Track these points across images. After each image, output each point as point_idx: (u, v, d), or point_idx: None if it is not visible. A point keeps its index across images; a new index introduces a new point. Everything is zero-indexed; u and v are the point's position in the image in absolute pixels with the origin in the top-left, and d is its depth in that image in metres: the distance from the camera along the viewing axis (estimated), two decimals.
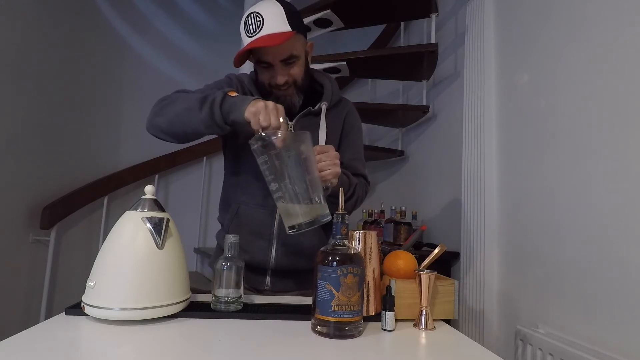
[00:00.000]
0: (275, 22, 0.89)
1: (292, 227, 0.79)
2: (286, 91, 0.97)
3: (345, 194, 1.00)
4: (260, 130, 0.81)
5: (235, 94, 0.86)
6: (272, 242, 1.00)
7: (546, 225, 1.22)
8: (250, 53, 0.96)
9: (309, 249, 1.00)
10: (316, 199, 0.80)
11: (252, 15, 0.90)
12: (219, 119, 0.85)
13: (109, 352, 0.56)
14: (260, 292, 1.02)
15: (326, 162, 0.85)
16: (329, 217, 0.78)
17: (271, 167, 0.78)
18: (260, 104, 0.80)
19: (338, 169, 0.87)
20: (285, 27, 0.90)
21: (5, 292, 1.92)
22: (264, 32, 0.88)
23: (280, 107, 0.82)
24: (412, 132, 2.45)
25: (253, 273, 1.01)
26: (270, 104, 0.81)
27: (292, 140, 0.79)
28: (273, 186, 0.79)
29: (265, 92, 0.99)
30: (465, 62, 1.72)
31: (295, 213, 0.79)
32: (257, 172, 0.98)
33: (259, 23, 0.89)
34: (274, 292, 1.02)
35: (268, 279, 1.02)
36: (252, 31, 0.90)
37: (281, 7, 0.91)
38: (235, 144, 1.04)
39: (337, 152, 0.89)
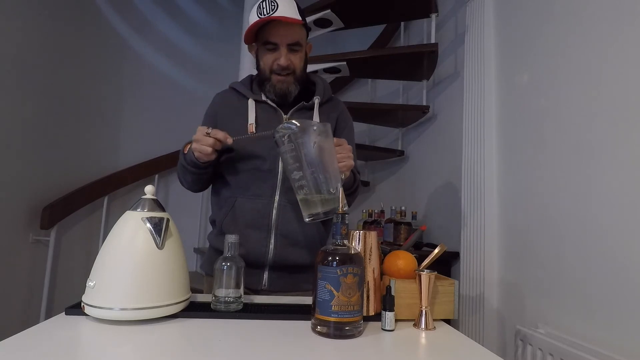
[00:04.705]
0: (289, 8, 0.96)
1: (311, 216, 0.82)
2: (286, 77, 1.02)
3: (350, 188, 1.01)
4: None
5: (187, 147, 0.98)
6: (270, 232, 1.00)
7: (546, 225, 1.22)
8: (257, 36, 1.01)
9: (307, 240, 1.01)
10: (335, 189, 0.82)
11: (266, 0, 0.97)
12: (198, 167, 0.97)
13: (109, 352, 0.56)
14: (257, 292, 1.00)
15: (342, 155, 0.89)
16: (346, 207, 0.81)
17: (296, 155, 0.81)
18: (193, 145, 0.92)
19: (352, 162, 0.91)
20: (297, 16, 0.97)
21: (5, 292, 1.92)
22: (279, 13, 0.94)
23: (215, 134, 0.90)
24: (412, 132, 2.45)
25: (250, 270, 1.00)
26: (195, 137, 0.91)
27: (316, 131, 0.82)
28: (296, 174, 0.82)
29: (264, 79, 1.04)
30: (465, 62, 1.72)
31: (315, 202, 0.81)
32: (252, 164, 1.01)
33: (273, 6, 0.95)
34: (271, 292, 1.00)
35: (265, 277, 1.01)
36: (266, 12, 0.95)
37: (293, 0, 0.99)
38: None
39: (350, 146, 0.92)
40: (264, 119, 1.04)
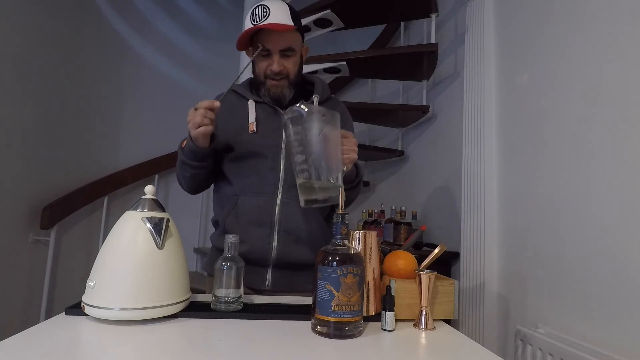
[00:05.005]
0: (281, 14, 0.97)
1: (308, 201, 0.83)
2: (279, 82, 1.03)
3: (352, 182, 1.02)
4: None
5: (185, 142, 0.99)
6: (273, 229, 1.00)
7: (546, 225, 1.22)
8: (251, 40, 1.03)
9: (311, 237, 1.01)
10: (335, 178, 0.83)
11: (259, 6, 0.98)
12: (197, 157, 0.98)
13: (109, 352, 0.56)
14: (260, 292, 1.00)
15: (347, 147, 0.89)
16: (344, 198, 0.81)
17: (301, 139, 0.83)
18: (189, 126, 0.92)
19: (356, 156, 0.92)
20: (289, 21, 0.98)
21: (5, 292, 1.92)
22: (270, 20, 0.96)
23: (201, 104, 0.90)
24: (412, 132, 2.45)
25: (253, 269, 0.99)
26: (188, 119, 0.91)
27: (325, 118, 0.83)
28: (299, 158, 0.83)
29: (260, 84, 1.06)
30: (465, 62, 1.72)
31: (313, 188, 0.82)
32: (253, 162, 1.02)
33: (265, 13, 0.96)
34: (274, 292, 1.00)
35: (269, 276, 1.01)
36: (258, 20, 0.97)
37: (286, 5, 1.00)
38: (228, 142, 1.06)
39: (356, 140, 0.93)
40: (264, 118, 1.05)
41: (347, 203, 1.10)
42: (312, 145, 0.82)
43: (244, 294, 0.80)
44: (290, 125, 0.83)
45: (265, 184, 1.01)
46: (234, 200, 1.03)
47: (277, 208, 1.01)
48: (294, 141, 0.83)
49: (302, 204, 0.85)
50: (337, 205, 0.74)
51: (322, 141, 0.82)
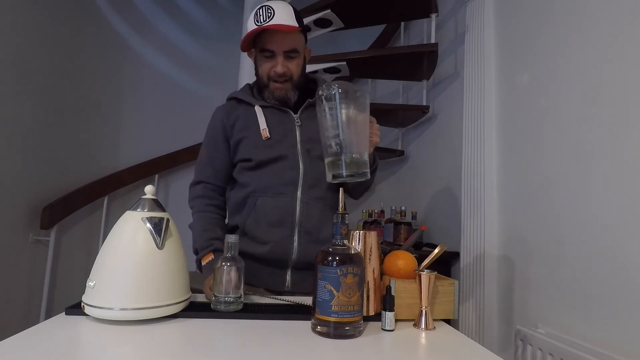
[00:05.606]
0: (285, 15, 0.97)
1: (335, 176, 0.86)
2: (283, 84, 1.03)
3: (371, 167, 1.04)
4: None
5: (208, 258, 0.98)
6: (294, 230, 1.00)
7: (546, 225, 1.22)
8: (255, 42, 1.03)
9: (329, 236, 1.01)
10: (362, 155, 0.86)
11: (264, 7, 0.98)
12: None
13: (109, 352, 0.56)
14: (280, 294, 0.99)
15: (372, 131, 0.93)
16: (368, 176, 0.86)
17: (335, 114, 0.85)
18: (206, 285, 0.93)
19: (378, 139, 0.96)
20: (293, 22, 0.98)
21: (5, 292, 1.92)
22: (275, 21, 0.96)
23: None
24: (412, 132, 2.45)
25: (272, 270, 1.00)
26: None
27: (359, 97, 0.86)
28: (330, 132, 0.86)
29: (263, 86, 1.05)
30: (465, 62, 1.71)
31: (341, 163, 0.85)
32: (273, 166, 1.02)
33: (270, 14, 0.96)
34: (293, 293, 1.00)
35: (289, 278, 1.01)
36: (262, 20, 0.97)
37: (290, 7, 1.00)
38: (244, 152, 1.06)
39: (378, 126, 0.97)
40: (274, 121, 1.04)
41: (365, 189, 1.15)
42: (345, 121, 0.84)
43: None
44: (325, 101, 0.86)
45: (285, 184, 1.01)
46: (252, 203, 1.02)
47: (298, 208, 1.00)
48: (327, 115, 0.86)
49: (328, 178, 0.87)
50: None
51: (354, 117, 0.85)
